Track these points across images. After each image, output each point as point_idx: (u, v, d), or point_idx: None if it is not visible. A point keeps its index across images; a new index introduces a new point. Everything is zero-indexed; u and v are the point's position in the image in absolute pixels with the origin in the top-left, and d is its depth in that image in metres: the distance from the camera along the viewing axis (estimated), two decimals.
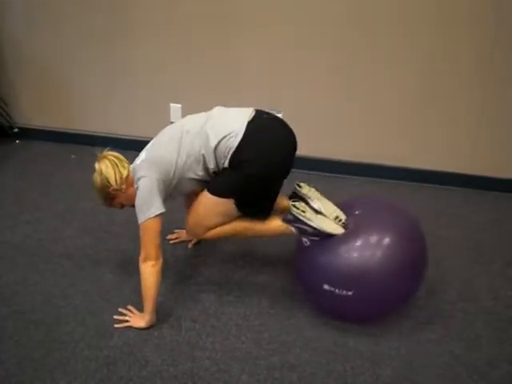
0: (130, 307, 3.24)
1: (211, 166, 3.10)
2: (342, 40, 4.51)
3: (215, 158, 3.07)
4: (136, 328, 3.11)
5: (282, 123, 3.30)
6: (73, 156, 5.23)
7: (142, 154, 3.25)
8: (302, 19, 4.51)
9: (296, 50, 4.63)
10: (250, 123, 3.08)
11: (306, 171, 4.57)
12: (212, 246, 3.84)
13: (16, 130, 5.54)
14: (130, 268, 3.37)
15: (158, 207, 3.02)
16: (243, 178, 3.05)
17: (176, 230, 3.93)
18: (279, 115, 4.46)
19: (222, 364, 2.90)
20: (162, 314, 3.19)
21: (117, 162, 3.21)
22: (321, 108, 4.76)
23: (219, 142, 3.03)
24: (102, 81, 5.22)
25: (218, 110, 3.28)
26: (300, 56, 4.63)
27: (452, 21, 4.25)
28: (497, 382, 2.82)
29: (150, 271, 3.03)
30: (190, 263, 3.73)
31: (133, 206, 3.14)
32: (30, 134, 5.55)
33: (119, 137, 5.20)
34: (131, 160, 3.28)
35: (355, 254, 2.98)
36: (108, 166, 3.18)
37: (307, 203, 3.22)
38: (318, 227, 3.06)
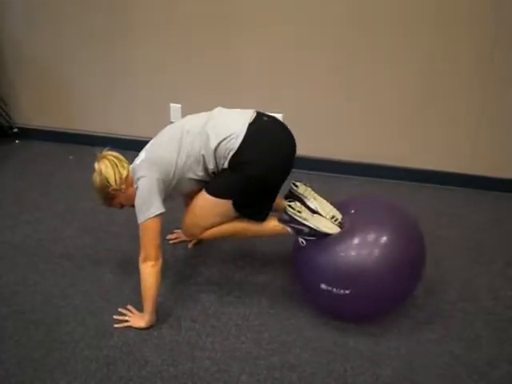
0: (129, 307, 3.24)
1: (211, 166, 3.10)
2: (342, 40, 4.50)
3: (215, 158, 3.07)
4: (136, 328, 3.11)
5: (281, 126, 3.30)
6: (71, 157, 5.23)
7: (142, 154, 3.25)
8: (302, 19, 4.51)
9: (296, 50, 4.62)
10: (250, 125, 3.09)
11: (305, 171, 4.58)
12: (212, 246, 3.84)
13: (16, 130, 5.54)
14: (130, 268, 3.37)
15: (157, 207, 3.02)
16: (243, 179, 3.06)
17: (176, 230, 3.92)
18: (279, 115, 4.50)
19: (221, 364, 2.90)
20: (161, 314, 3.19)
21: (116, 161, 3.21)
22: (321, 108, 4.76)
23: (219, 143, 3.03)
24: (102, 81, 5.21)
25: (218, 111, 3.28)
26: (300, 56, 4.63)
27: (452, 21, 4.25)
28: (497, 382, 2.82)
29: (149, 271, 3.03)
30: (190, 263, 3.73)
31: (132, 205, 3.14)
32: (30, 134, 5.55)
33: (119, 137, 5.19)
34: (131, 160, 3.28)
35: (352, 253, 2.99)
36: (107, 166, 3.18)
37: (303, 203, 3.23)
38: (314, 227, 3.06)
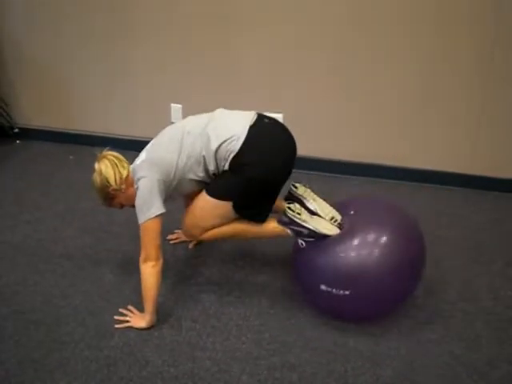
0: (130, 307, 3.24)
1: (211, 167, 3.10)
2: (342, 40, 4.50)
3: (215, 160, 3.07)
4: (136, 328, 3.12)
5: (282, 128, 3.30)
6: (71, 157, 5.23)
7: (142, 155, 3.24)
8: (302, 19, 4.51)
9: (296, 50, 4.62)
10: (251, 127, 3.09)
11: (305, 171, 4.58)
12: (212, 247, 3.84)
13: (16, 130, 5.54)
14: (131, 268, 3.37)
15: (158, 208, 3.02)
16: (243, 181, 3.06)
17: (176, 231, 3.93)
18: (279, 115, 4.50)
19: (222, 364, 2.90)
20: (162, 315, 3.19)
21: (116, 162, 3.21)
22: (321, 108, 4.76)
23: (220, 145, 3.03)
24: (102, 81, 5.22)
25: (219, 112, 3.28)
26: (300, 56, 4.63)
27: (452, 21, 4.25)
28: (497, 382, 2.82)
29: (150, 272, 3.03)
30: (191, 263, 3.73)
31: (132, 206, 3.15)
32: (31, 135, 5.55)
33: (119, 137, 5.20)
34: (131, 160, 3.28)
35: (351, 254, 3.00)
36: (108, 166, 3.18)
37: (303, 204, 3.23)
38: (313, 228, 3.06)
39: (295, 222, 3.10)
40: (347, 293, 2.94)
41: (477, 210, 4.43)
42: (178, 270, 3.64)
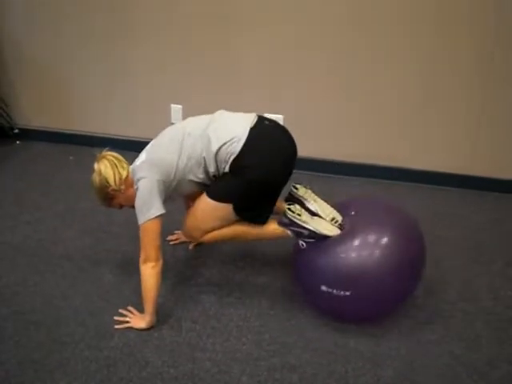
0: (130, 308, 3.24)
1: (211, 169, 3.10)
2: (342, 40, 4.50)
3: (216, 161, 3.07)
4: (136, 329, 3.11)
5: (282, 129, 3.30)
6: (71, 157, 5.23)
7: (142, 155, 3.24)
8: (302, 19, 4.51)
9: (296, 50, 4.62)
10: (252, 129, 3.08)
11: (306, 172, 4.58)
12: (212, 248, 3.83)
13: (16, 130, 5.53)
14: (130, 269, 3.37)
15: (158, 208, 3.02)
16: (244, 183, 3.06)
17: (176, 231, 3.92)
18: (280, 117, 4.50)
19: (222, 365, 2.90)
20: (162, 315, 3.19)
21: (116, 162, 3.21)
22: (321, 108, 4.76)
23: (221, 147, 3.03)
24: (102, 81, 5.21)
25: (220, 114, 3.27)
26: (300, 56, 4.63)
27: (452, 21, 4.25)
28: (497, 382, 2.83)
29: (150, 273, 3.03)
30: (191, 264, 3.73)
31: (132, 206, 3.15)
32: (31, 135, 5.54)
33: (119, 138, 5.19)
34: (131, 161, 3.27)
35: (352, 255, 3.00)
36: (107, 167, 3.18)
37: (303, 205, 3.23)
38: (314, 229, 3.07)
39: (295, 223, 3.11)
40: (348, 293, 2.94)
41: (477, 211, 4.44)
42: (178, 271, 3.64)
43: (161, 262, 3.06)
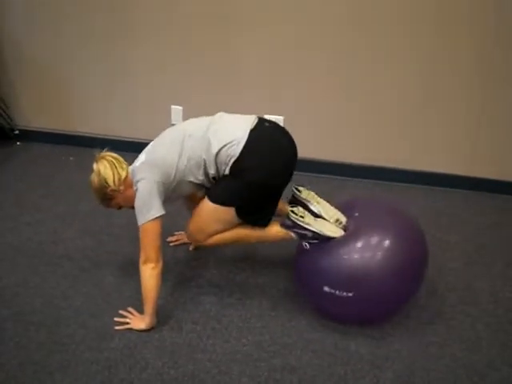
0: (130, 309, 3.24)
1: (212, 171, 3.10)
2: (342, 40, 4.50)
3: (216, 163, 3.07)
4: (137, 330, 3.11)
5: (283, 131, 3.30)
6: (71, 158, 5.22)
7: (142, 156, 3.24)
8: (302, 19, 4.51)
9: (296, 50, 4.62)
10: (252, 131, 3.08)
11: (306, 173, 4.58)
12: (213, 249, 3.81)
13: (17, 131, 5.53)
14: (131, 270, 3.37)
15: (157, 209, 3.02)
16: (244, 185, 3.06)
17: (176, 233, 3.93)
18: (280, 118, 4.49)
19: (222, 366, 2.90)
20: (162, 316, 3.19)
21: (115, 162, 3.21)
22: (321, 108, 4.77)
23: (221, 149, 3.03)
24: (102, 82, 5.20)
25: (220, 116, 3.27)
26: (300, 56, 4.63)
27: (452, 21, 4.25)
28: None
29: (150, 274, 3.03)
30: (191, 265, 3.72)
31: (131, 207, 3.16)
32: (31, 136, 5.54)
33: (120, 139, 5.18)
34: (131, 162, 3.27)
35: (355, 256, 3.00)
36: (106, 167, 3.17)
37: (306, 207, 3.23)
38: (317, 231, 3.06)
39: (299, 225, 3.11)
40: (350, 295, 2.94)
41: (477, 212, 4.44)
42: (179, 272, 3.64)
43: (161, 263, 3.05)
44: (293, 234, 3.15)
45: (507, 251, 3.91)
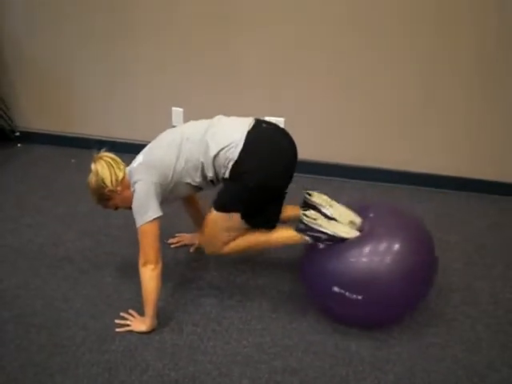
0: (131, 311, 3.24)
1: (210, 174, 3.10)
2: (342, 40, 4.49)
3: (214, 166, 3.07)
4: (137, 332, 3.12)
5: (281, 131, 3.29)
6: (73, 160, 5.22)
7: (140, 157, 3.24)
8: (302, 19, 4.50)
9: (296, 50, 4.61)
10: (249, 133, 3.07)
11: (306, 175, 4.60)
12: None
13: (17, 133, 5.53)
14: (131, 271, 3.36)
15: (155, 211, 3.02)
16: (244, 189, 3.05)
17: (177, 234, 3.94)
18: (281, 119, 4.49)
19: (223, 368, 2.91)
20: (163, 318, 3.20)
21: (113, 163, 3.21)
22: (321, 109, 4.76)
23: (219, 152, 3.03)
24: (102, 83, 5.20)
25: (218, 119, 3.27)
26: (300, 56, 4.62)
27: (452, 21, 4.24)
28: None
29: (150, 275, 3.03)
30: (192, 267, 3.72)
31: (128, 208, 3.16)
32: (32, 138, 5.54)
33: (121, 140, 5.18)
34: (130, 163, 3.28)
35: (368, 259, 2.97)
36: (104, 167, 3.18)
37: (319, 211, 3.21)
38: (331, 233, 3.06)
39: (312, 228, 3.11)
40: (360, 298, 2.93)
41: (477, 214, 4.45)
42: (179, 274, 3.64)
43: (160, 264, 3.05)
44: (307, 238, 3.14)
45: (507, 252, 3.92)
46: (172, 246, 3.88)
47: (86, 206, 4.29)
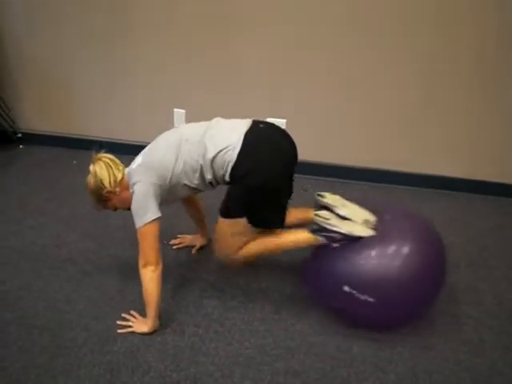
0: (133, 312, 3.25)
1: (208, 176, 3.10)
2: (342, 40, 4.49)
3: (212, 168, 3.07)
4: (139, 333, 3.12)
5: (280, 132, 3.28)
6: (74, 162, 5.21)
7: (138, 158, 3.25)
8: (302, 19, 4.49)
9: (296, 50, 4.61)
10: (247, 134, 3.06)
11: (306, 176, 4.62)
12: (214, 251, 3.83)
13: (19, 135, 5.53)
14: (134, 273, 3.34)
15: (154, 212, 3.02)
16: (246, 191, 3.05)
17: (179, 235, 3.94)
18: (283, 121, 4.49)
19: (225, 370, 2.92)
20: (164, 320, 3.21)
21: (111, 164, 3.21)
22: (321, 109, 4.76)
23: (217, 154, 3.03)
24: (103, 84, 5.20)
25: (216, 122, 3.26)
26: (300, 56, 4.62)
27: (452, 21, 4.24)
28: None
29: (150, 276, 3.04)
30: (193, 268, 3.73)
31: (127, 209, 3.17)
32: (34, 139, 5.54)
33: (122, 142, 5.18)
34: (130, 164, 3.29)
35: (380, 261, 2.97)
36: (102, 168, 3.18)
37: (332, 212, 3.20)
38: (345, 232, 3.06)
39: (326, 228, 3.11)
40: (370, 300, 2.93)
41: (479, 215, 4.45)
42: (181, 275, 3.64)
43: (161, 265, 3.06)
44: (321, 238, 3.13)
45: (510, 254, 3.92)
46: (174, 247, 3.88)
47: (88, 207, 4.20)
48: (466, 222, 4.35)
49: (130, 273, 3.52)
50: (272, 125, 3.31)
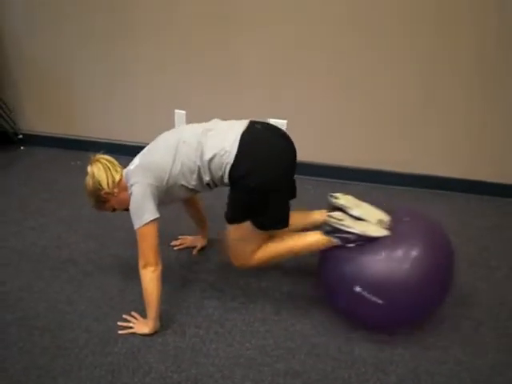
0: (133, 313, 3.25)
1: (206, 177, 3.10)
2: (342, 40, 4.49)
3: (210, 170, 3.06)
4: (140, 334, 3.12)
5: (278, 132, 3.25)
6: (78, 162, 5.19)
7: (136, 160, 3.25)
8: (302, 19, 4.49)
9: (296, 50, 4.61)
10: (243, 135, 3.05)
11: (307, 177, 4.62)
12: (215, 253, 3.84)
13: (20, 136, 5.54)
14: (135, 274, 3.34)
15: (152, 213, 3.02)
16: (246, 192, 3.04)
17: (180, 237, 3.94)
18: (284, 122, 4.49)
19: (225, 370, 2.92)
20: (165, 321, 3.21)
21: (109, 165, 3.22)
22: (321, 109, 4.76)
23: (214, 156, 3.02)
24: (103, 83, 5.20)
25: (214, 123, 3.26)
26: (300, 56, 4.62)
27: (452, 21, 4.24)
28: None
29: (150, 277, 3.04)
30: (194, 269, 3.73)
31: (125, 210, 3.18)
32: (34, 141, 5.54)
33: (123, 143, 5.19)
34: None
35: (392, 263, 2.95)
36: (100, 169, 3.19)
37: (346, 213, 3.17)
38: (359, 232, 3.02)
39: (339, 229, 3.08)
40: (380, 302, 2.91)
41: (478, 215, 4.45)
42: (182, 276, 3.65)
43: (160, 265, 3.06)
44: (335, 240, 3.10)
45: (510, 254, 3.93)
46: (175, 248, 3.88)
47: (89, 208, 4.21)
48: (465, 222, 4.35)
49: (131, 273, 3.51)
50: (269, 125, 3.30)
